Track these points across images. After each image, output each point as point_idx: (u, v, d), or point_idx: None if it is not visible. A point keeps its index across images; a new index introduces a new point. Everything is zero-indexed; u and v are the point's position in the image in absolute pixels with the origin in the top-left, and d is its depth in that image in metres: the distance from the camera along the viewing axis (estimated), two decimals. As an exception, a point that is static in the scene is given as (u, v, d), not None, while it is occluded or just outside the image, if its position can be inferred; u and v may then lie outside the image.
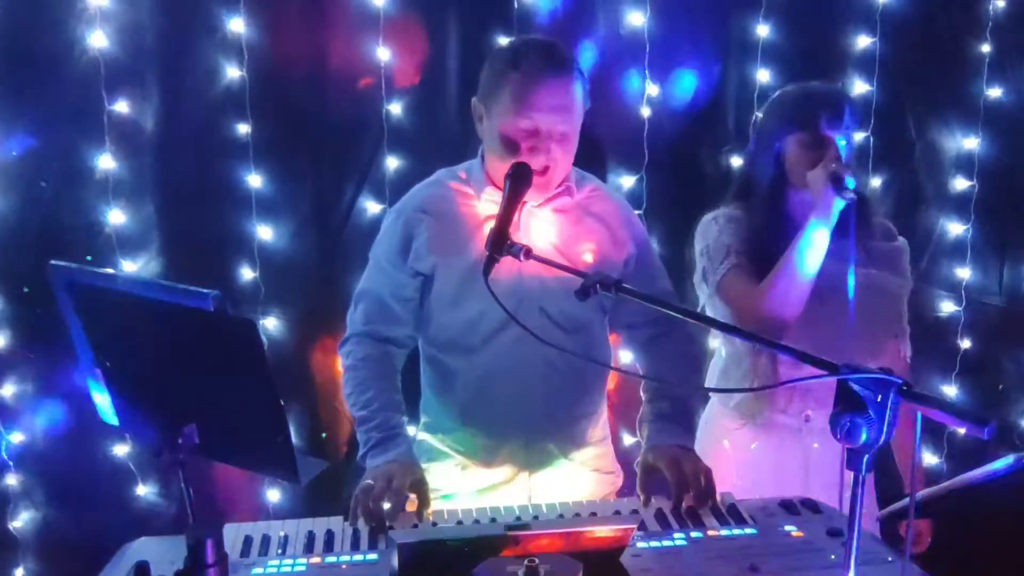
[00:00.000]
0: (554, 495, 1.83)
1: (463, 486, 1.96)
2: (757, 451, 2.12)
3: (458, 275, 1.88)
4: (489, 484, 1.95)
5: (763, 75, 2.92)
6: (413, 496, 1.73)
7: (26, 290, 2.58)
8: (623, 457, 2.44)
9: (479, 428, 1.94)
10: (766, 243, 2.01)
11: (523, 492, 1.93)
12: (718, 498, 1.73)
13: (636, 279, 1.79)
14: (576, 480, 1.97)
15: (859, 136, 2.04)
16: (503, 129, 1.81)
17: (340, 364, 2.00)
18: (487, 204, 1.90)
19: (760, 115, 2.15)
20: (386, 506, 1.65)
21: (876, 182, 3.01)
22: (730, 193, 2.20)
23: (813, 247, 1.91)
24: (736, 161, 2.93)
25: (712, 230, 2.12)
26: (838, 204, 1.88)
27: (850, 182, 1.87)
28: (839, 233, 1.93)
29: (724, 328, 1.87)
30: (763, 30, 2.90)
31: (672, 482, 1.73)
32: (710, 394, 2.26)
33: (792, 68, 2.92)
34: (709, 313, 2.13)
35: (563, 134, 1.80)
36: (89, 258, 2.58)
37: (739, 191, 2.17)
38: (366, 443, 1.83)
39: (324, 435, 2.84)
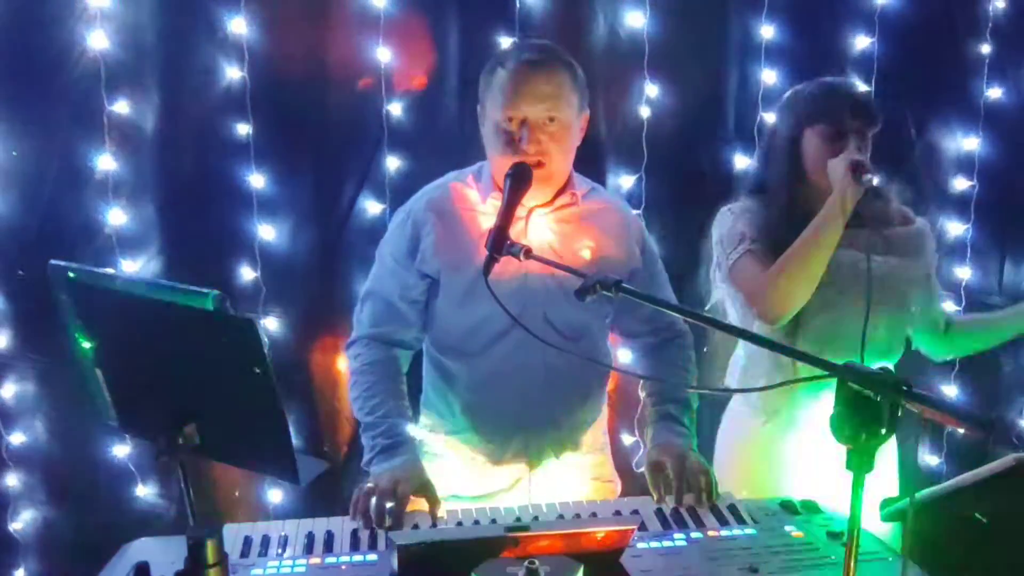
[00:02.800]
0: (553, 500, 1.83)
1: (463, 487, 1.96)
2: (780, 449, 2.12)
3: (462, 280, 1.88)
4: (489, 487, 1.95)
5: (762, 75, 2.91)
6: (420, 500, 1.73)
7: (20, 273, 2.57)
8: (623, 458, 2.45)
9: (479, 431, 1.94)
10: (780, 234, 2.01)
11: (523, 496, 1.94)
12: (716, 500, 1.73)
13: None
14: (575, 487, 1.98)
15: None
16: (495, 123, 1.82)
17: (347, 366, 2.00)
18: (492, 209, 1.90)
19: (776, 111, 2.18)
20: (388, 505, 1.65)
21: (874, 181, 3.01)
22: (745, 186, 2.22)
23: (826, 233, 1.93)
24: (740, 161, 2.94)
25: (727, 219, 2.13)
26: (856, 193, 1.90)
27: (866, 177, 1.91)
28: (855, 223, 1.95)
29: (724, 328, 1.87)
30: (762, 30, 2.90)
31: (675, 478, 1.74)
32: (732, 393, 2.27)
33: (791, 68, 2.92)
34: (727, 305, 2.15)
35: (553, 123, 1.80)
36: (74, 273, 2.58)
37: (754, 184, 2.18)
38: (372, 449, 1.84)
39: (326, 448, 2.84)
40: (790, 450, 2.11)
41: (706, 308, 2.21)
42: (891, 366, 2.15)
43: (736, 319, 2.12)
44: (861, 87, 2.90)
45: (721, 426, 2.27)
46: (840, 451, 1.83)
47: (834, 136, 2.00)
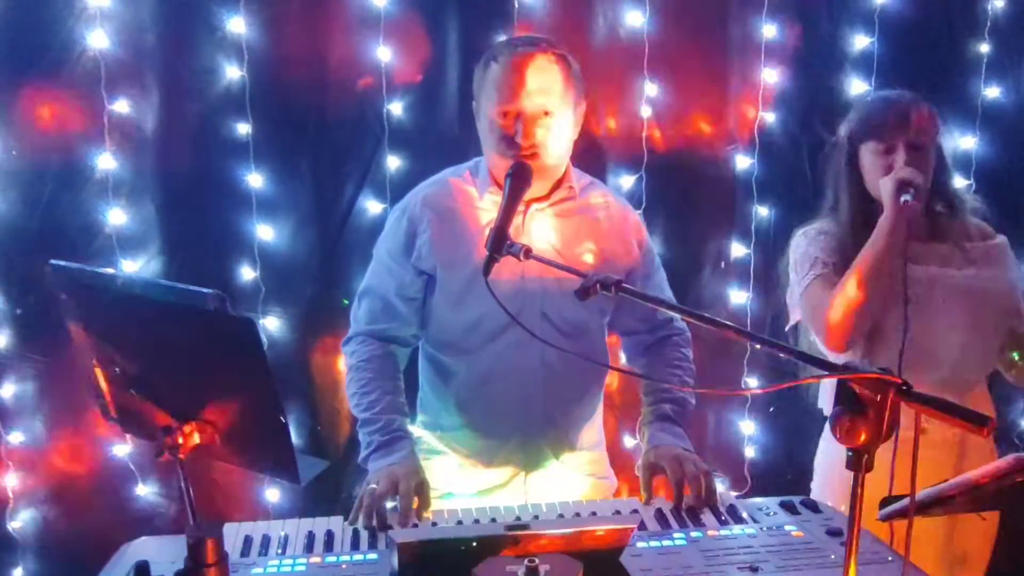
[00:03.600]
0: (550, 497, 1.83)
1: (459, 485, 1.96)
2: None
3: (460, 278, 1.88)
4: (485, 484, 1.95)
5: (762, 75, 2.91)
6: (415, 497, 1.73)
7: (19, 311, 2.58)
8: (623, 459, 2.45)
9: (476, 428, 1.94)
10: (851, 255, 1.99)
11: (519, 493, 1.94)
12: (718, 499, 1.73)
13: (639, 288, 1.78)
14: (572, 484, 1.98)
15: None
16: (490, 119, 1.82)
17: (344, 362, 2.00)
18: (489, 205, 1.90)
19: (841, 128, 2.13)
20: (389, 505, 1.66)
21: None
22: (822, 207, 2.17)
23: (879, 253, 1.91)
24: (741, 161, 2.94)
25: (801, 244, 2.11)
26: (903, 211, 1.88)
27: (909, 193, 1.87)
28: (938, 237, 1.94)
29: (724, 327, 1.87)
30: (762, 30, 2.90)
31: (673, 480, 1.74)
32: (731, 395, 2.26)
33: (791, 68, 2.93)
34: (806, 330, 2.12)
35: (548, 117, 1.79)
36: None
37: (830, 204, 2.14)
38: (368, 445, 1.84)
39: (319, 428, 2.83)
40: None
41: (786, 329, 2.20)
42: (983, 387, 2.12)
43: (816, 341, 2.09)
44: (848, 89, 2.90)
45: (822, 443, 2.22)
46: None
47: (884, 152, 1.97)
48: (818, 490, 2.16)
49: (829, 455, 2.19)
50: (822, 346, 2.02)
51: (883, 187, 1.94)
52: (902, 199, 1.88)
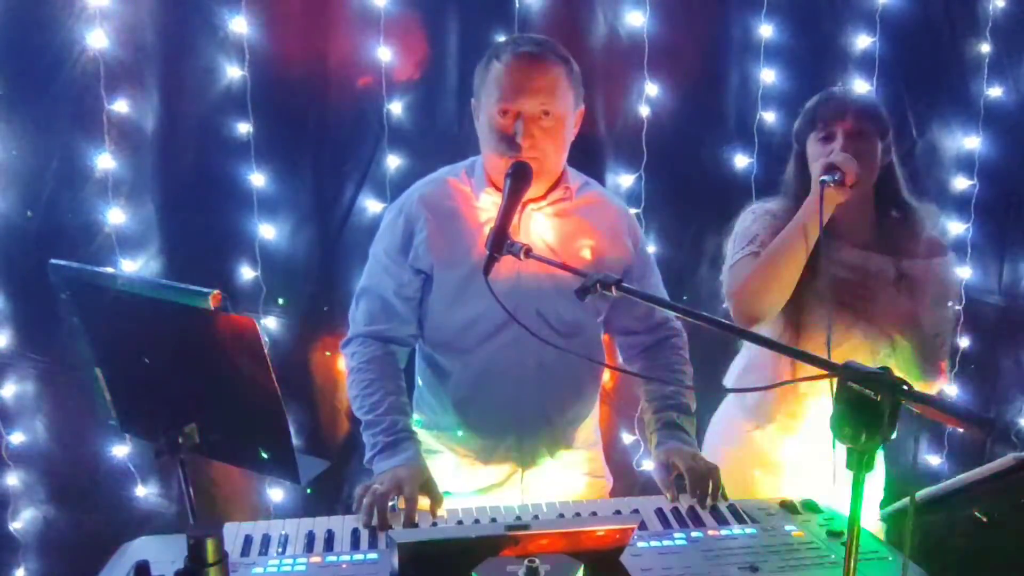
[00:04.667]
0: (546, 496, 1.83)
1: (456, 484, 1.96)
2: (774, 453, 2.12)
3: (456, 277, 1.88)
4: (483, 483, 1.96)
5: (762, 75, 2.92)
6: (422, 497, 1.73)
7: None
8: (622, 457, 2.45)
9: (472, 427, 1.95)
10: None
11: (516, 492, 1.94)
12: (725, 500, 1.74)
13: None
14: (567, 483, 1.99)
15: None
16: (489, 117, 1.82)
17: (344, 364, 2.00)
18: (486, 204, 1.90)
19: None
20: (400, 504, 1.66)
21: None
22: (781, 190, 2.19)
23: (792, 230, 1.94)
24: (740, 160, 2.94)
25: (747, 219, 2.13)
26: (825, 196, 1.88)
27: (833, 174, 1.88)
28: (880, 247, 1.97)
29: (724, 327, 1.87)
30: (763, 30, 2.90)
31: (689, 479, 1.75)
32: (727, 395, 2.26)
33: (791, 68, 2.92)
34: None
35: (548, 118, 1.79)
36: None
37: (781, 188, 2.17)
38: (373, 447, 1.84)
39: (319, 428, 2.83)
40: (783, 455, 2.11)
41: (723, 306, 2.19)
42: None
43: None
44: (864, 95, 2.89)
45: (710, 428, 2.26)
46: (831, 456, 1.79)
47: (823, 140, 2.00)
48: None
49: (714, 439, 2.22)
50: (733, 318, 2.04)
51: (812, 171, 1.96)
52: (820, 179, 1.89)
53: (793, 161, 2.11)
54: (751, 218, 2.12)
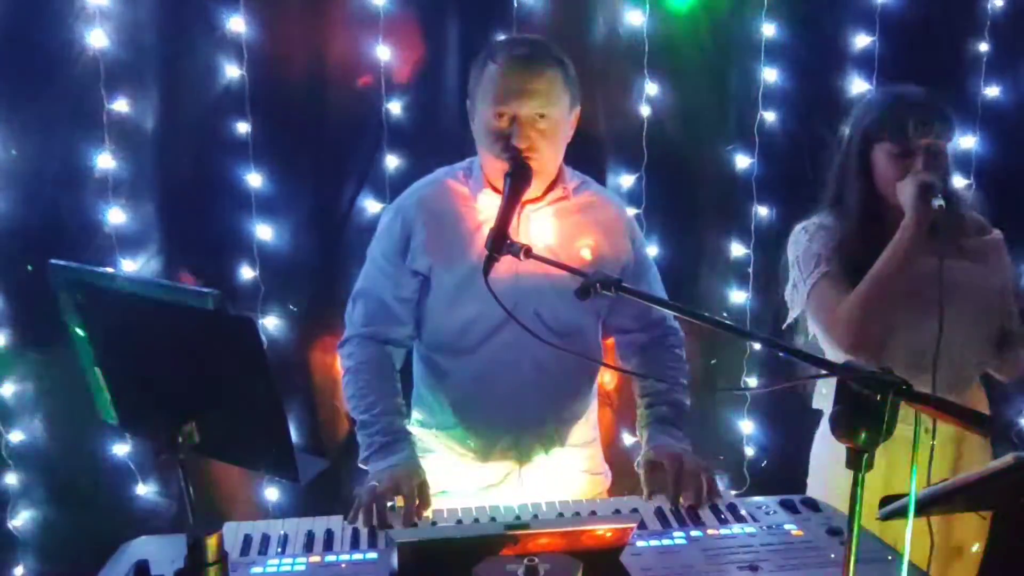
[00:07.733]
0: (545, 494, 1.83)
1: (454, 483, 1.96)
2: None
3: (454, 278, 1.88)
4: (481, 482, 1.96)
5: (762, 74, 2.92)
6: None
7: (29, 268, 2.56)
8: (622, 457, 2.44)
9: (470, 427, 1.95)
10: (857, 253, 1.96)
11: (514, 490, 1.94)
12: (720, 497, 1.73)
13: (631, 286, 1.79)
14: (566, 480, 1.99)
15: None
16: (485, 119, 1.81)
17: (340, 365, 2.00)
18: (484, 205, 1.90)
19: (849, 120, 2.08)
20: (399, 504, 1.66)
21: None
22: (822, 200, 2.12)
23: (902, 260, 1.89)
24: (740, 160, 2.94)
25: (802, 239, 2.07)
26: (927, 216, 1.85)
27: (938, 195, 1.84)
28: (929, 232, 1.89)
29: (723, 327, 1.87)
30: (763, 29, 2.90)
31: (671, 479, 1.74)
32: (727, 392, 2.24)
33: (792, 67, 2.92)
34: (809, 324, 2.09)
35: (543, 120, 1.78)
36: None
37: (830, 198, 2.10)
38: (368, 447, 1.84)
39: (319, 427, 2.83)
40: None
41: (783, 327, 2.17)
42: (979, 384, 2.10)
43: (821, 339, 2.08)
44: (849, 88, 2.89)
45: (816, 441, 2.20)
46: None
47: (901, 153, 1.93)
48: (813, 488, 2.16)
49: (821, 457, 2.17)
50: (828, 344, 2.01)
51: (904, 190, 1.90)
52: (935, 204, 1.84)
53: (854, 171, 2.01)
54: (805, 237, 2.06)
